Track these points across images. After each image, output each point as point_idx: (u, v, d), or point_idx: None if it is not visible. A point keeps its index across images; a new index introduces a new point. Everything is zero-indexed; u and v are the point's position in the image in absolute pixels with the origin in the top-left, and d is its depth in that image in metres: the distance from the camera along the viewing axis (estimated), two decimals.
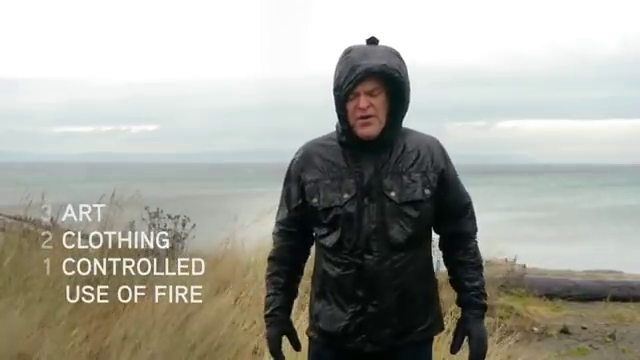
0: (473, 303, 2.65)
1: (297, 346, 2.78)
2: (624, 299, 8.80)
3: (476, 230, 2.72)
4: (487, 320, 6.92)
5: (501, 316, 7.50)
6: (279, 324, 2.72)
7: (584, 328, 7.64)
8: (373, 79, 2.50)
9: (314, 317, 2.68)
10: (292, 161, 2.70)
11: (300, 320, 3.74)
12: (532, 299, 8.61)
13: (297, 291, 2.82)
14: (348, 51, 2.55)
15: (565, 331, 7.42)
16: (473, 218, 2.72)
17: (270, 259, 2.79)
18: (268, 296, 2.74)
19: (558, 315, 8.21)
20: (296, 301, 2.84)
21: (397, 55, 2.56)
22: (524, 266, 9.45)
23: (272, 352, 2.73)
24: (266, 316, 2.74)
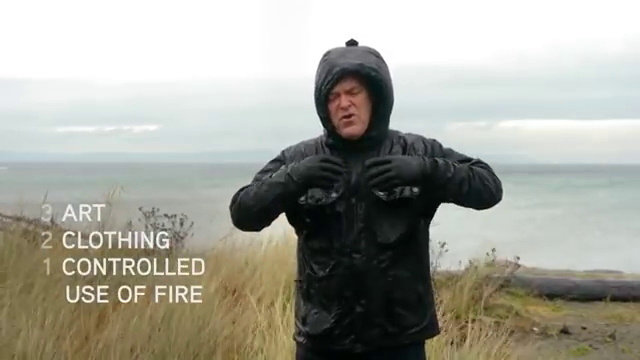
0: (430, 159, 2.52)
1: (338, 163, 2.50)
2: (624, 299, 8.78)
3: (494, 177, 2.58)
4: (487, 320, 6.95)
5: (501, 316, 7.49)
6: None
7: (584, 328, 7.62)
8: (351, 78, 2.51)
9: (301, 321, 2.67)
10: (283, 151, 2.70)
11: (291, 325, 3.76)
12: (532, 299, 8.59)
13: None
14: (326, 54, 2.58)
15: (565, 331, 7.39)
16: (489, 169, 2.60)
17: (243, 192, 2.59)
18: (263, 183, 2.54)
19: (558, 315, 8.19)
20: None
21: (375, 54, 2.57)
22: (521, 266, 9.45)
23: (325, 161, 2.49)
24: (286, 176, 2.49)
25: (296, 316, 2.72)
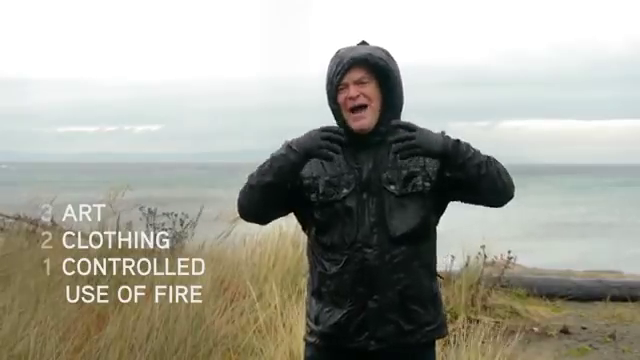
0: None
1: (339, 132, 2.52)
2: (624, 299, 8.77)
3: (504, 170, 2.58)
4: (487, 320, 6.93)
5: (501, 316, 7.50)
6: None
7: (584, 328, 7.61)
8: (360, 68, 2.54)
9: (313, 320, 2.65)
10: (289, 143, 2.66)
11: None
12: (532, 299, 8.58)
13: None
14: (337, 51, 2.62)
15: (565, 331, 7.38)
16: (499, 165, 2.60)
17: (251, 183, 2.57)
18: (268, 159, 2.55)
19: (558, 315, 8.18)
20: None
21: (384, 51, 2.60)
22: (521, 266, 9.44)
23: (326, 130, 2.51)
24: (287, 147, 2.51)
25: (308, 316, 2.70)
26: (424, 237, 2.61)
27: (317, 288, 2.63)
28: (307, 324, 2.70)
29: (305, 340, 2.72)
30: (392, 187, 2.54)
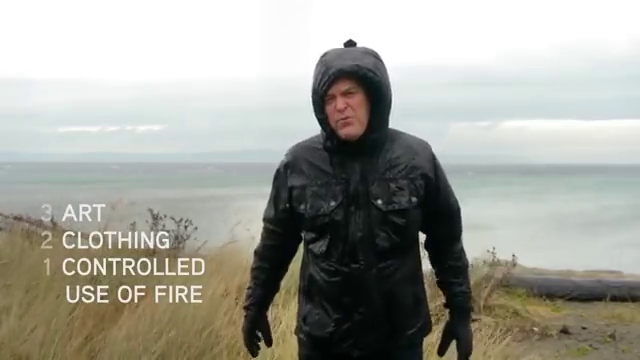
0: (460, 308, 2.71)
1: (269, 342, 2.88)
2: (624, 299, 8.79)
3: (461, 231, 2.76)
4: (487, 320, 6.92)
5: (501, 316, 7.50)
6: (252, 320, 2.82)
7: (584, 328, 7.62)
8: (347, 79, 2.47)
9: (302, 319, 2.68)
10: (281, 163, 2.68)
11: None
12: (532, 299, 8.60)
13: (278, 286, 2.88)
14: (324, 55, 2.55)
15: (565, 331, 7.40)
16: (460, 222, 2.75)
17: (255, 253, 2.83)
18: (248, 289, 2.83)
19: (558, 315, 8.20)
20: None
21: (373, 55, 2.53)
22: (521, 266, 9.45)
23: (245, 344, 2.87)
24: (244, 308, 2.85)
25: (298, 313, 2.73)
26: (411, 247, 2.61)
27: (307, 289, 2.66)
28: (297, 319, 2.74)
29: (296, 334, 2.76)
30: (379, 202, 2.51)
